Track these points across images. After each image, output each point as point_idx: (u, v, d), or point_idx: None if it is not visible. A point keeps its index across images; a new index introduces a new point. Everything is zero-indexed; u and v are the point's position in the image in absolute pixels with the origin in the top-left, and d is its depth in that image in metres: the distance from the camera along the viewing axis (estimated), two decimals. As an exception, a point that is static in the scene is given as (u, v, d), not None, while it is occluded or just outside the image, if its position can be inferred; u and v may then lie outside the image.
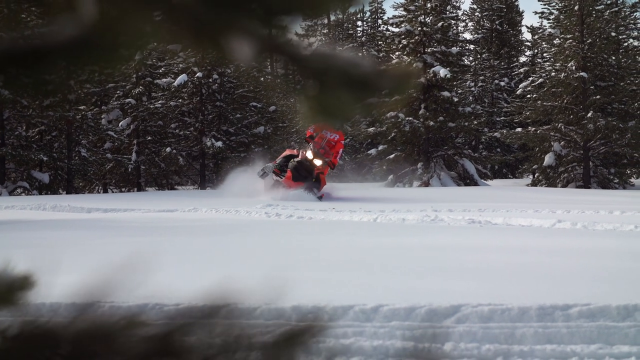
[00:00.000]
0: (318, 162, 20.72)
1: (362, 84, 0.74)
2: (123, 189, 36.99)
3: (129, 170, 35.92)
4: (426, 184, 36.00)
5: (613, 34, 40.52)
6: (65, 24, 0.70)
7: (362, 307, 4.67)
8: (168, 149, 36.38)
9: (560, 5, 41.11)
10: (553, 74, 38.40)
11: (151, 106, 36.21)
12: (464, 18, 66.63)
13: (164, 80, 37.71)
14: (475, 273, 6.28)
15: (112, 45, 0.67)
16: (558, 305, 4.67)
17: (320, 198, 20.06)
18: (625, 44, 47.47)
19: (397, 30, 40.50)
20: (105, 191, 36.55)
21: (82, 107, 34.61)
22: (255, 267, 6.76)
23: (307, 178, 20.56)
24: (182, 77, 36.99)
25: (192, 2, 0.68)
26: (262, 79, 42.15)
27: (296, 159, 20.87)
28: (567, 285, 5.55)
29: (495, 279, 5.95)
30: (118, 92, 37.07)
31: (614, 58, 39.30)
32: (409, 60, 38.25)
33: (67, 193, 32.22)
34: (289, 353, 0.84)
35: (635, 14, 52.52)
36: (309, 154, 20.71)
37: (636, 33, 53.18)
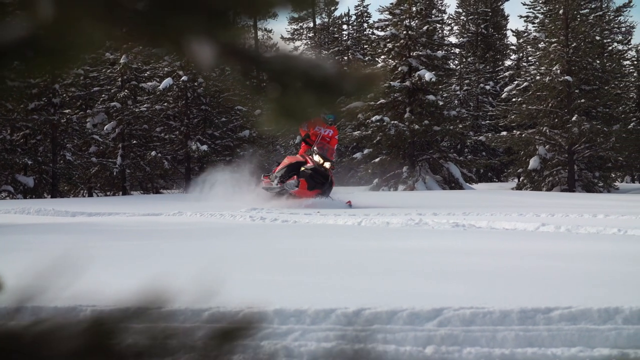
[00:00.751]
0: (327, 165, 19.77)
1: (324, 86, 0.74)
2: (108, 193, 36.91)
3: (114, 174, 35.84)
4: (411, 188, 36.04)
5: (597, 37, 40.68)
6: (16, 25, 0.69)
7: (344, 311, 4.67)
8: (153, 153, 36.31)
9: (545, 9, 41.32)
10: (538, 77, 38.51)
11: (136, 110, 36.14)
12: (450, 22, 66.84)
13: (149, 83, 37.66)
14: (457, 276, 6.29)
15: (61, 48, 0.67)
16: (540, 309, 4.68)
17: (350, 206, 18.84)
18: (610, 47, 47.81)
19: (382, 34, 40.57)
20: (91, 195, 36.45)
21: (67, 111, 34.56)
22: (230, 269, 6.76)
23: (324, 184, 19.63)
24: (168, 81, 36.92)
25: (142, 6, 0.67)
26: (247, 82, 42.06)
27: (308, 167, 19.71)
28: (549, 288, 5.57)
29: (477, 282, 5.96)
30: (103, 95, 36.99)
31: (598, 62, 39.47)
32: (394, 63, 38.34)
33: (52, 197, 32.13)
34: (221, 353, 0.84)
35: (619, 18, 52.82)
36: (317, 158, 19.73)
37: (620, 37, 53.51)
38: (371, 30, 54.59)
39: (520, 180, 39.92)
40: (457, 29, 65.35)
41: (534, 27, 43.63)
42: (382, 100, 38.22)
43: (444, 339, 4.37)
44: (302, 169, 19.73)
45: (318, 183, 19.44)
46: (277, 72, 0.72)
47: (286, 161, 20.73)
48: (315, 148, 19.84)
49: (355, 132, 39.24)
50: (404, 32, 38.37)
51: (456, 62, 58.63)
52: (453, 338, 4.39)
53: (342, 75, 0.75)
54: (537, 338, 4.40)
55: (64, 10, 0.64)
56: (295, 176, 19.50)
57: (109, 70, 37.05)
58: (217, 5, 0.67)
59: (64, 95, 34.54)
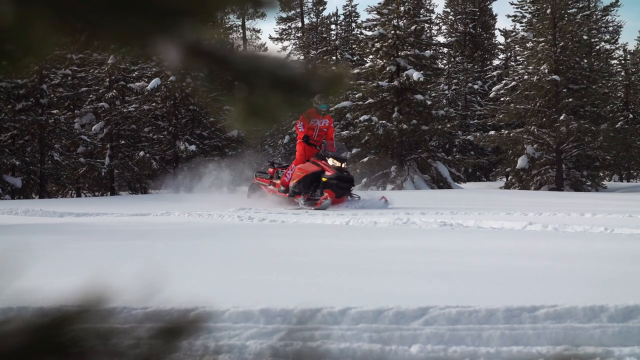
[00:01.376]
0: (344, 164, 18.50)
1: (291, 85, 0.74)
2: (96, 193, 36.81)
3: (102, 174, 35.74)
4: (400, 187, 36.06)
5: (585, 37, 40.85)
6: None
7: (330, 310, 4.67)
8: (141, 153, 36.24)
9: (532, 8, 41.43)
10: (526, 77, 38.62)
11: (124, 110, 36.06)
12: (438, 21, 66.93)
13: (137, 84, 37.57)
14: (444, 275, 6.30)
15: (13, 51, 0.67)
16: (525, 307, 4.69)
17: (386, 202, 17.87)
18: (597, 47, 48.03)
19: (370, 33, 40.63)
20: (79, 195, 36.33)
21: (55, 111, 34.49)
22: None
23: (349, 189, 18.60)
24: (156, 81, 36.85)
25: (94, 6, 0.68)
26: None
27: (330, 176, 18.11)
28: (535, 287, 5.58)
29: (464, 281, 5.97)
30: (91, 95, 36.87)
31: (586, 61, 39.60)
32: (382, 63, 38.39)
33: (40, 197, 32.06)
34: (163, 350, 0.84)
35: (606, 17, 52.97)
36: (332, 162, 18.30)
37: (608, 36, 53.69)
38: (359, 30, 54.75)
39: (509, 179, 39.99)
40: (446, 29, 65.45)
41: (521, 26, 43.71)
42: (370, 100, 38.28)
43: (429, 337, 4.38)
44: (324, 179, 18.28)
45: (345, 189, 18.47)
46: (244, 72, 0.72)
47: (299, 173, 18.80)
48: (324, 150, 18.70)
49: (344, 132, 39.26)
50: (392, 31, 38.41)
51: (444, 61, 58.70)
52: (439, 337, 4.40)
53: (309, 74, 0.75)
54: (522, 336, 4.41)
55: (18, 11, 0.64)
56: (326, 191, 18.01)
57: (96, 71, 36.95)
58: (169, 4, 0.66)
59: (52, 95, 34.45)
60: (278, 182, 19.74)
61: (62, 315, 0.83)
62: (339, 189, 18.09)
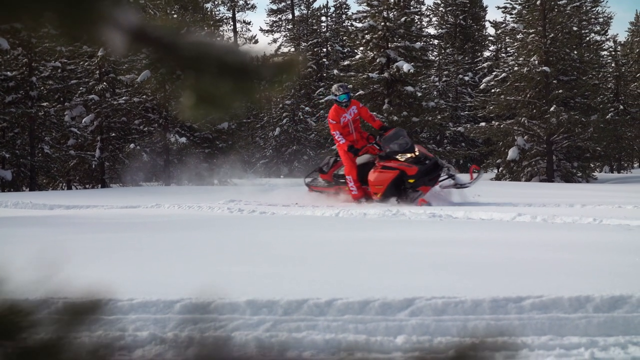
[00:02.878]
0: (417, 151, 16.03)
1: (242, 72, 0.73)
2: (87, 186, 36.70)
3: (93, 166, 35.64)
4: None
5: (575, 28, 40.95)
6: None
7: (316, 301, 4.67)
8: (132, 145, 36.17)
9: (522, 0, 41.33)
10: (516, 68, 38.63)
11: (115, 102, 35.93)
12: (428, 13, 66.82)
13: (128, 76, 37.42)
14: (431, 266, 6.30)
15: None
16: (511, 298, 4.70)
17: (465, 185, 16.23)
18: (587, 38, 48.05)
19: (360, 25, 40.54)
20: (70, 188, 36.22)
21: (44, 104, 34.35)
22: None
23: (438, 171, 16.19)
24: (146, 73, 36.69)
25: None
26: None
27: (413, 174, 15.63)
28: (522, 277, 5.58)
29: (451, 272, 5.97)
30: (81, 88, 36.71)
31: (576, 52, 39.63)
32: (372, 55, 38.36)
33: (30, 190, 31.96)
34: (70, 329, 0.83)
35: (596, 8, 53.00)
36: (402, 157, 15.97)
37: (598, 28, 53.74)
38: (350, 22, 54.69)
39: (499, 170, 40.02)
40: (436, 20, 65.37)
41: (512, 18, 43.56)
42: (360, 92, 38.22)
43: (415, 328, 4.39)
44: (411, 180, 15.66)
45: (436, 174, 16.09)
46: (191, 59, 0.71)
47: (378, 186, 16.06)
48: (391, 147, 16.18)
49: (335, 124, 39.19)
50: (382, 23, 38.34)
51: (435, 53, 58.62)
52: (424, 328, 4.40)
53: (260, 60, 0.74)
54: (508, 327, 4.42)
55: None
56: (420, 189, 15.74)
57: (86, 63, 36.80)
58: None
59: (42, 88, 34.36)
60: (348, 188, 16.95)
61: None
62: (431, 180, 15.85)
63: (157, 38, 0.71)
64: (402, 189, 15.94)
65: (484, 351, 0.96)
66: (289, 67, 0.75)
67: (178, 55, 0.72)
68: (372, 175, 16.18)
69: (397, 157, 15.94)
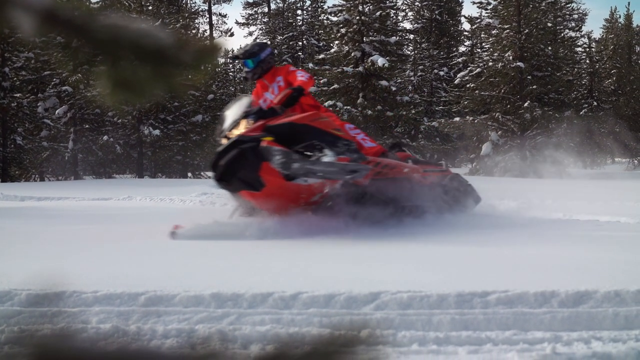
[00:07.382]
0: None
1: (160, 56, 0.71)
2: (60, 178, 36.48)
3: (66, 158, 35.46)
4: (365, 173, 35.97)
5: (550, 24, 41.02)
6: None
7: (281, 294, 4.66)
8: (105, 137, 36.01)
9: (498, -5, 41.42)
10: (491, 63, 38.68)
11: (88, 94, 35.71)
12: (404, 7, 66.73)
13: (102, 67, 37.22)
14: (397, 261, 6.31)
15: None
16: (477, 292, 4.71)
17: None
18: (562, 34, 48.21)
19: (335, 19, 40.46)
20: (42, 180, 35.98)
21: (17, 95, 34.09)
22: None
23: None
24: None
25: None
26: (202, 67, 41.89)
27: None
28: (488, 272, 5.60)
29: (417, 267, 5.98)
30: (55, 79, 36.49)
31: (550, 48, 39.74)
32: (347, 49, 38.33)
33: (2, 181, 31.75)
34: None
35: (571, 5, 53.25)
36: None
37: (572, 24, 53.96)
38: (325, 16, 54.63)
39: (473, 165, 40.07)
40: (412, 15, 65.27)
41: (487, 13, 43.59)
42: (335, 86, 38.17)
43: (379, 322, 4.38)
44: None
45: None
46: (104, 42, 0.69)
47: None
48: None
49: (309, 117, 39.12)
50: (357, 17, 38.31)
51: (410, 47, 58.65)
52: (389, 322, 4.40)
53: (178, 45, 0.71)
54: (472, 321, 4.43)
55: None
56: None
57: (60, 54, 36.55)
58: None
59: (14, 79, 34.12)
60: None
61: None
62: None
63: (68, 20, 0.69)
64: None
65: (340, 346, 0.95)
66: (209, 52, 0.73)
67: (90, 38, 0.70)
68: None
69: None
